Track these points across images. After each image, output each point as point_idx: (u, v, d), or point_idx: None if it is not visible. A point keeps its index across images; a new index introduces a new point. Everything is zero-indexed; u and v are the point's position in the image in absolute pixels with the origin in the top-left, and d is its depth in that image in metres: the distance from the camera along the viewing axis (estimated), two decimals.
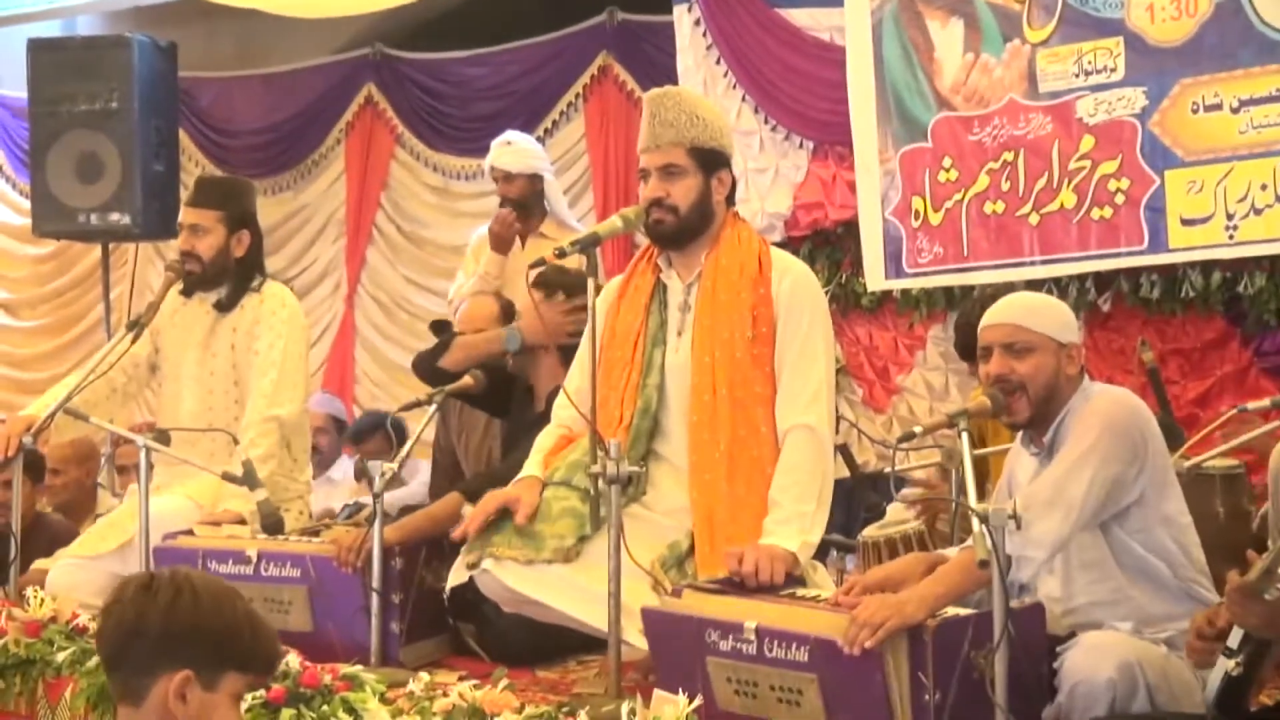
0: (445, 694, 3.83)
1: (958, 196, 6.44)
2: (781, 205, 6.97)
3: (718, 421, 4.15)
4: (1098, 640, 3.47)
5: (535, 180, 6.40)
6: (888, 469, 5.24)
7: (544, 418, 4.60)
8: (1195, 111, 5.85)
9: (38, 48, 8.45)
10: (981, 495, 3.44)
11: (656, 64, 7.60)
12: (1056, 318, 3.80)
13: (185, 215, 5.47)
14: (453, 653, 4.68)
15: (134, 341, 5.21)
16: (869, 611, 3.34)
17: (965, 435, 3.55)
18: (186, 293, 5.44)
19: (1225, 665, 3.27)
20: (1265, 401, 4.93)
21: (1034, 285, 5.95)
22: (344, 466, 7.61)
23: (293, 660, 3.99)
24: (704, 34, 7.19)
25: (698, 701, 3.39)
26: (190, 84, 9.01)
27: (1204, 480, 4.63)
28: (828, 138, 6.90)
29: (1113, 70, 6.02)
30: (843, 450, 5.42)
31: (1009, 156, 6.30)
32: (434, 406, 4.84)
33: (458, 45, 8.45)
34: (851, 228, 6.80)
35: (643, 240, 4.59)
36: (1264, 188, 5.70)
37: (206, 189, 5.57)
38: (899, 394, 6.87)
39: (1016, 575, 3.60)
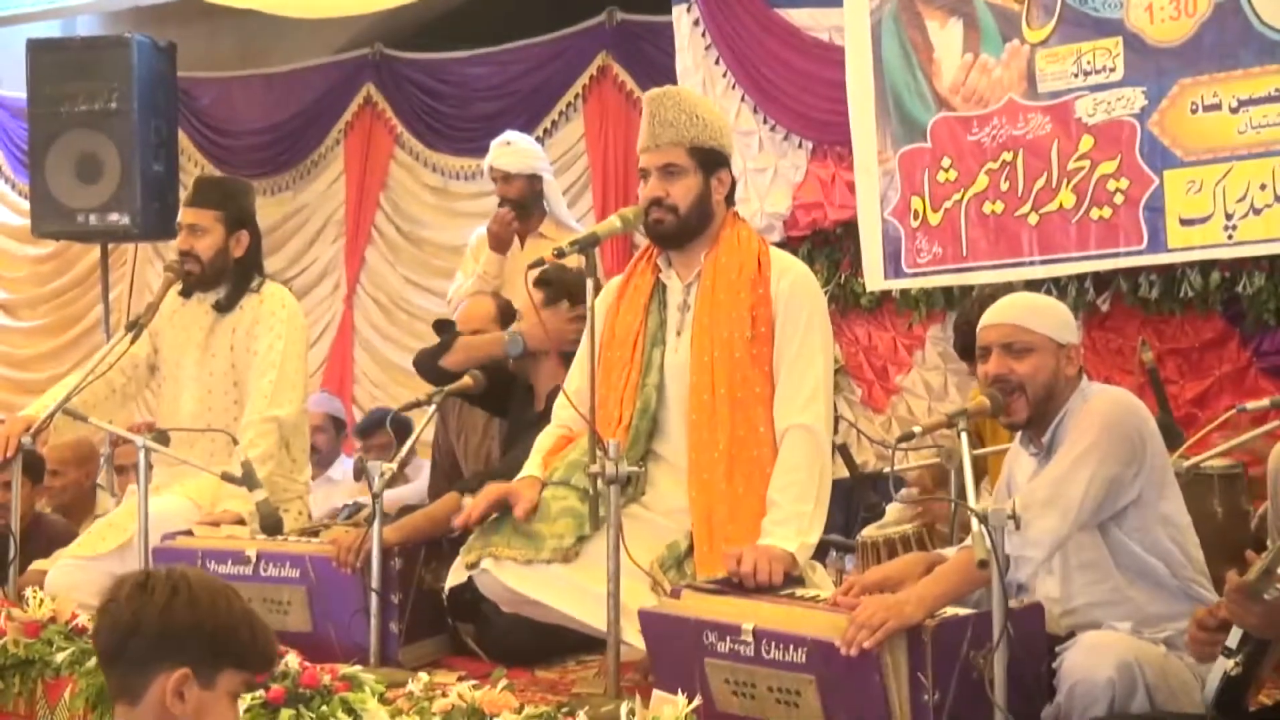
0: (444, 694, 3.83)
1: (957, 196, 6.43)
2: (780, 205, 6.97)
3: (717, 421, 4.15)
4: (1097, 640, 3.47)
5: (534, 180, 6.40)
6: (887, 469, 5.23)
7: (544, 417, 4.60)
8: (1194, 111, 5.85)
9: (37, 48, 8.45)
10: (977, 494, 3.44)
11: (656, 64, 7.60)
12: (1055, 318, 3.80)
13: (184, 215, 5.47)
14: (452, 653, 4.68)
15: (133, 342, 5.21)
16: (867, 612, 3.34)
17: (964, 435, 3.55)
18: (185, 293, 5.44)
19: (1224, 665, 3.27)
20: (1264, 401, 4.93)
21: (1033, 285, 5.95)
22: (344, 466, 7.61)
23: (292, 660, 3.99)
24: (703, 34, 7.19)
25: (696, 702, 3.40)
26: (189, 84, 9.01)
27: (1202, 480, 4.63)
28: (827, 138, 6.90)
29: (1112, 70, 6.02)
30: (842, 450, 5.42)
31: (1008, 156, 6.30)
32: (433, 406, 4.84)
33: (457, 45, 8.45)
34: (850, 228, 6.80)
35: (642, 240, 4.59)
36: (1263, 188, 5.70)
37: (205, 189, 5.57)
38: (898, 394, 6.88)
39: (1015, 575, 3.60)
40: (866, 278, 6.74)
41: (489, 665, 4.30)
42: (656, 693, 3.52)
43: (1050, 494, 3.56)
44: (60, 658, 4.44)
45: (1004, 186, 6.31)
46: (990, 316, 3.82)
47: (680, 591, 3.85)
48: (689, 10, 7.23)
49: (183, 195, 7.75)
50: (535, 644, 4.48)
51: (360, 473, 4.56)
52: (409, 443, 4.74)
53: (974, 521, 3.27)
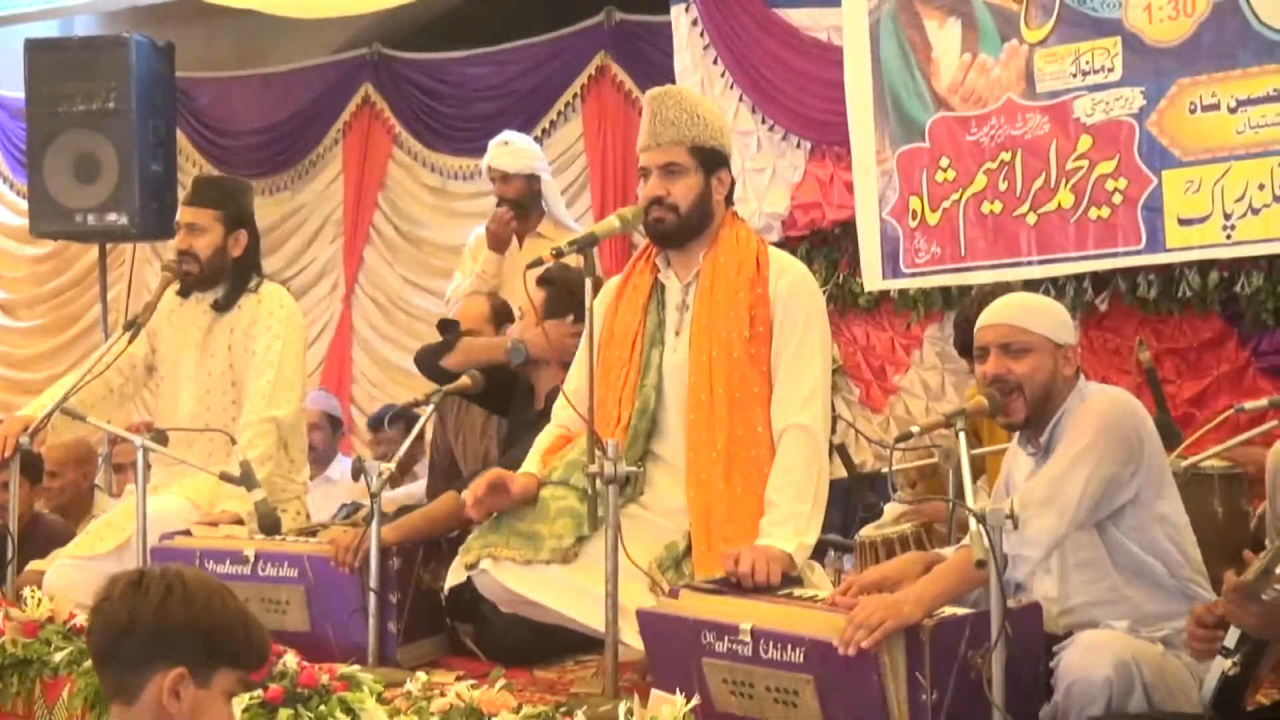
0: (443, 694, 3.83)
1: (955, 196, 6.43)
2: (779, 205, 6.97)
3: (715, 421, 4.15)
4: (1094, 639, 3.48)
5: (533, 180, 6.40)
6: (885, 469, 5.23)
7: (544, 416, 4.61)
8: (1193, 111, 5.85)
9: (35, 48, 8.45)
10: (974, 493, 3.44)
11: (654, 64, 7.59)
12: (1053, 318, 3.80)
13: (183, 214, 5.48)
14: (450, 653, 4.67)
15: (131, 341, 5.21)
16: (865, 612, 3.34)
17: (962, 435, 3.55)
18: (184, 293, 5.44)
19: (1222, 665, 3.27)
20: (1263, 401, 4.93)
21: (1031, 285, 5.95)
22: (342, 466, 7.60)
23: (290, 660, 3.99)
24: (701, 34, 7.19)
25: (695, 701, 3.40)
26: (188, 84, 9.01)
27: (1202, 480, 4.63)
28: (825, 138, 6.90)
29: (1110, 70, 6.02)
30: (840, 450, 5.41)
31: (1006, 156, 6.30)
32: (431, 406, 4.84)
33: (455, 45, 8.45)
34: (849, 228, 6.80)
35: (640, 240, 4.59)
36: (1261, 187, 5.70)
37: (204, 188, 5.57)
38: (896, 394, 6.88)
39: (1012, 574, 3.60)
40: (865, 278, 6.74)
41: (487, 665, 4.30)
42: (655, 692, 3.52)
43: (1048, 493, 3.56)
44: (58, 657, 4.44)
45: (1002, 186, 6.31)
46: (988, 317, 3.83)
47: (678, 591, 3.85)
48: (687, 10, 7.22)
49: (181, 195, 7.74)
50: (534, 644, 4.48)
51: (359, 472, 4.56)
52: (406, 443, 4.74)
53: (972, 521, 3.28)
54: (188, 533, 4.93)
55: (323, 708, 3.87)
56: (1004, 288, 4.98)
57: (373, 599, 4.39)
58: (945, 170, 6.45)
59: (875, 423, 6.87)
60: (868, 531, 5.12)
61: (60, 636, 4.53)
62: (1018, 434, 3.87)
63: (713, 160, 4.29)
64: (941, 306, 6.65)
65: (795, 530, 4.01)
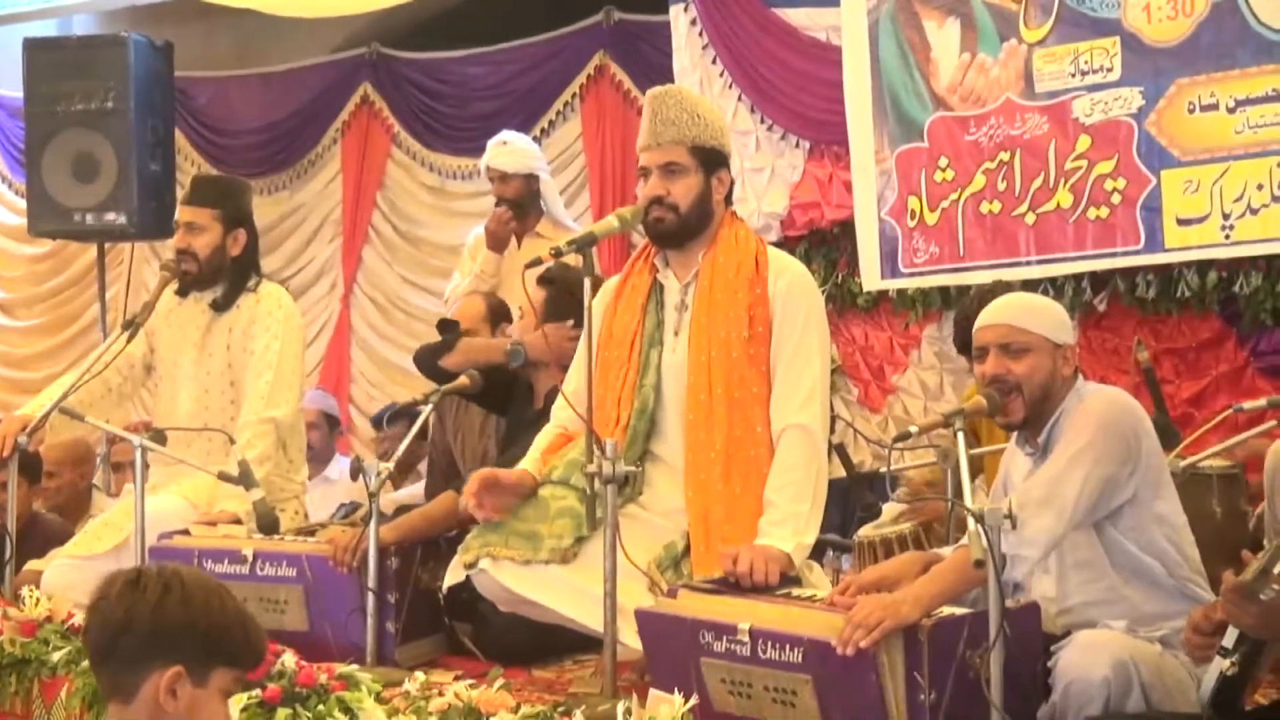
0: (441, 693, 3.83)
1: (954, 196, 6.44)
2: (778, 205, 6.97)
3: (714, 421, 4.15)
4: (1092, 639, 3.48)
5: (531, 180, 6.40)
6: (884, 469, 5.23)
7: (543, 415, 4.61)
8: (1192, 111, 5.85)
9: (34, 47, 8.45)
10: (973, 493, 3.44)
11: (653, 64, 7.59)
12: (1052, 318, 3.80)
13: (181, 213, 5.48)
14: (449, 652, 4.67)
15: (129, 341, 5.21)
16: (864, 612, 3.34)
17: (960, 435, 3.55)
18: (182, 292, 5.44)
19: (1220, 665, 3.26)
20: (1261, 401, 4.93)
21: (1030, 285, 5.95)
22: (340, 466, 7.60)
23: (288, 660, 3.99)
24: (700, 33, 7.19)
25: (693, 701, 3.39)
26: (186, 83, 9.01)
27: (1200, 480, 4.63)
28: (824, 137, 6.90)
29: (1109, 70, 6.02)
30: (839, 450, 5.41)
31: (1005, 156, 6.30)
32: (430, 405, 4.84)
33: (454, 45, 8.45)
34: (848, 227, 6.80)
35: (639, 240, 4.59)
36: (1260, 187, 5.70)
37: (203, 187, 5.57)
38: (894, 393, 6.88)
39: (1010, 574, 3.59)
40: (863, 277, 6.74)
41: (486, 665, 4.30)
42: (653, 692, 3.52)
43: (1046, 493, 3.56)
44: (56, 657, 4.44)
45: (1001, 186, 6.31)
46: (987, 317, 3.82)
47: (677, 591, 3.84)
48: (686, 10, 7.23)
49: (179, 194, 7.74)
50: (532, 643, 4.48)
51: (357, 472, 4.55)
52: (404, 443, 4.74)
53: (970, 521, 3.27)
54: (186, 532, 4.93)
55: (321, 707, 3.87)
56: (1004, 286, 4.97)
57: (371, 598, 4.39)
58: (944, 170, 6.46)
59: (873, 422, 6.88)
60: (866, 531, 5.12)
61: (58, 636, 4.53)
62: (1015, 434, 3.87)
63: (713, 160, 4.29)
64: (940, 306, 6.65)
65: (794, 530, 4.01)
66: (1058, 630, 3.61)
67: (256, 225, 5.58)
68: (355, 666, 4.12)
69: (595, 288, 4.19)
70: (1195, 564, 3.72)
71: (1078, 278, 6.21)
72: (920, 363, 6.82)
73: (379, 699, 3.94)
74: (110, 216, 8.22)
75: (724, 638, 3.56)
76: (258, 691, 3.85)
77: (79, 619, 4.52)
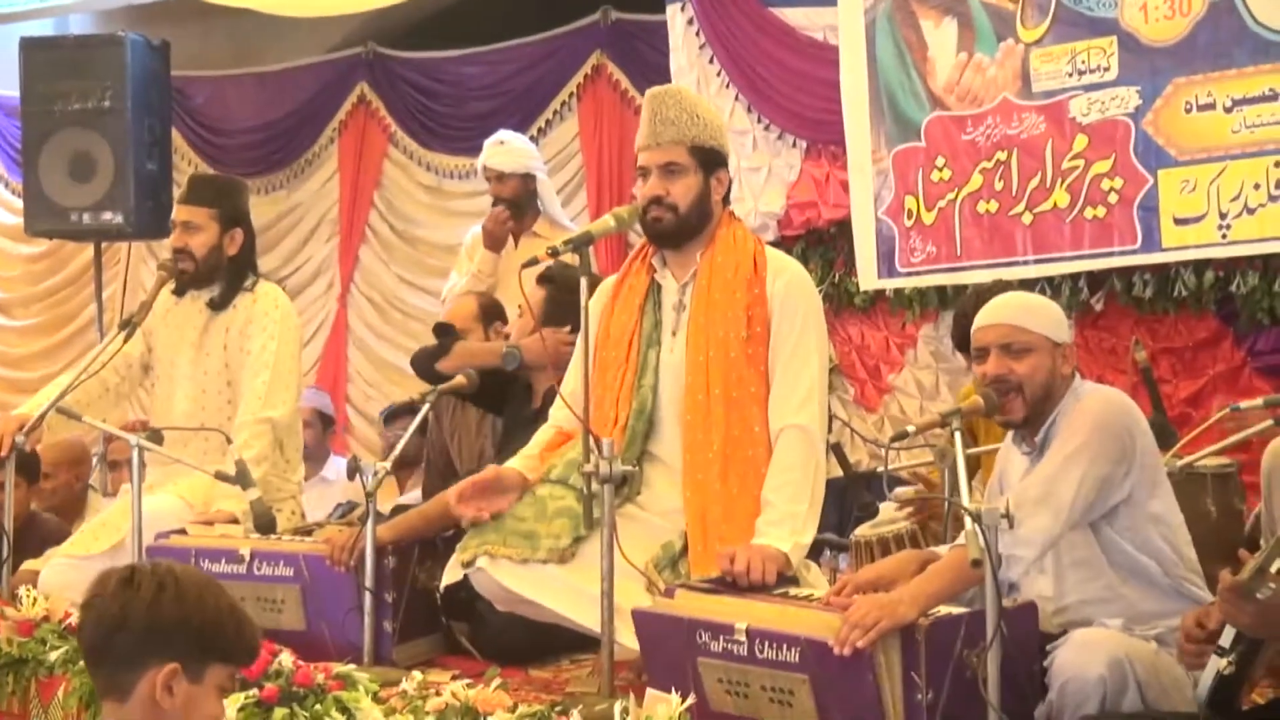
0: (438, 693, 3.83)
1: (951, 196, 6.44)
2: (775, 204, 6.97)
3: (711, 421, 4.15)
4: (1087, 637, 3.48)
5: (528, 180, 6.40)
6: (880, 468, 5.23)
7: (541, 415, 4.61)
8: (1188, 111, 5.85)
9: (30, 46, 8.44)
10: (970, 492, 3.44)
11: (650, 63, 7.59)
12: (1051, 317, 3.81)
13: (178, 213, 5.48)
14: (446, 652, 4.67)
15: (126, 340, 5.21)
16: (861, 612, 3.34)
17: (958, 434, 3.55)
18: (179, 292, 5.44)
19: (1217, 664, 3.27)
20: (1258, 401, 4.93)
21: (1027, 284, 5.93)
22: (337, 466, 7.60)
23: (286, 659, 3.99)
24: (697, 33, 7.18)
25: (690, 701, 3.39)
26: (183, 83, 9.00)
27: (1196, 479, 4.63)
28: (821, 137, 6.90)
29: (1106, 70, 6.02)
30: (835, 449, 5.41)
31: (1002, 156, 6.30)
32: (427, 405, 4.84)
33: (451, 44, 8.45)
34: (845, 227, 6.80)
35: (636, 240, 4.59)
36: (1257, 187, 5.70)
37: (200, 187, 5.56)
38: (890, 393, 6.88)
39: (1005, 574, 3.60)
40: (860, 277, 6.74)
41: (483, 664, 4.30)
42: (650, 692, 3.52)
43: (1042, 493, 3.56)
44: (54, 656, 4.44)
45: (998, 186, 6.32)
46: (986, 317, 3.82)
47: (674, 591, 3.84)
48: (683, 9, 7.22)
49: (176, 194, 7.73)
50: (529, 643, 4.47)
51: (354, 472, 4.55)
52: (401, 443, 4.74)
53: (968, 520, 3.28)
54: (183, 532, 4.92)
55: (318, 707, 3.87)
56: (1003, 285, 4.97)
57: (368, 598, 4.39)
58: (941, 170, 6.46)
59: (870, 422, 6.88)
60: (863, 531, 5.12)
61: (55, 636, 4.53)
62: (1012, 432, 3.87)
63: (712, 160, 4.30)
64: (937, 306, 6.65)
65: (791, 530, 4.01)
66: (1054, 629, 3.62)
67: (253, 225, 5.57)
68: (352, 666, 4.12)
69: (592, 287, 4.18)
70: (1191, 563, 3.73)
71: (1075, 277, 6.21)
72: (916, 362, 6.82)
73: (376, 698, 3.94)
74: (107, 216, 8.22)
75: (721, 637, 3.56)
76: (255, 691, 3.85)
77: (76, 619, 4.53)
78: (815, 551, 4.43)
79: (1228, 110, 5.76)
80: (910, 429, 3.64)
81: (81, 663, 4.24)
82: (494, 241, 6.32)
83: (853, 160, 6.68)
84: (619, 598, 3.85)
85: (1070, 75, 6.11)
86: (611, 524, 3.84)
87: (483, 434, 5.53)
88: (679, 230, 4.27)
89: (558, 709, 3.72)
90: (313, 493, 6.78)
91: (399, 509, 5.08)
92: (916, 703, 3.30)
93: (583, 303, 4.06)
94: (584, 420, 3.97)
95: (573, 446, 4.24)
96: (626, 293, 4.39)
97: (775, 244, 5.68)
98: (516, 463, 4.34)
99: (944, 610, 3.43)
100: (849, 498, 5.80)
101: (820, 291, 5.17)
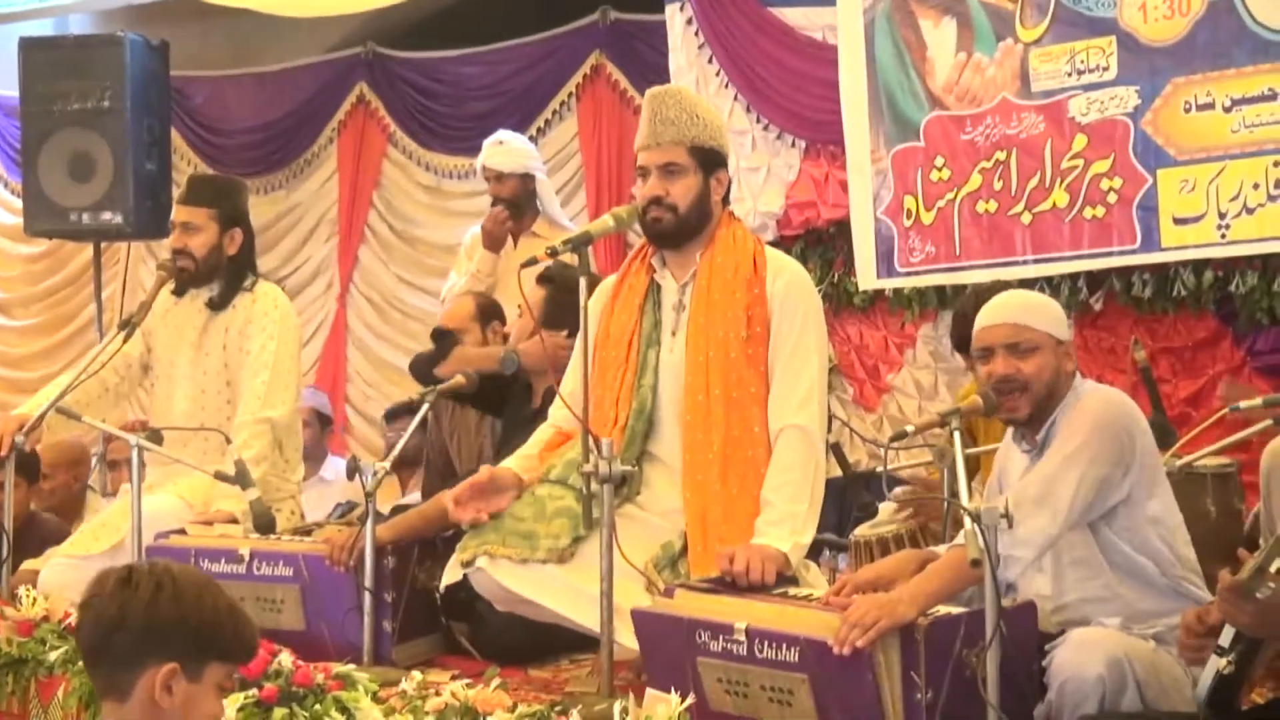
0: (438, 693, 3.84)
1: (950, 196, 6.44)
2: (774, 204, 6.97)
3: (711, 421, 4.15)
4: (1086, 636, 3.48)
5: (527, 180, 6.40)
6: (880, 468, 5.23)
7: (541, 414, 4.62)
8: (1188, 110, 5.85)
9: (30, 46, 8.44)
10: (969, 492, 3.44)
11: (649, 63, 7.59)
12: (1053, 315, 3.81)
13: (178, 213, 5.48)
14: (445, 652, 4.67)
15: (126, 340, 5.21)
16: (860, 611, 3.34)
17: (957, 434, 3.55)
18: (178, 292, 5.44)
19: (1217, 664, 3.27)
20: (1257, 400, 4.93)
21: (1026, 284, 5.92)
22: (335, 466, 7.60)
23: (285, 659, 3.99)
24: (696, 33, 7.18)
25: (690, 701, 3.40)
26: (182, 83, 9.00)
27: (1195, 479, 4.63)
28: (820, 137, 6.90)
29: (1105, 69, 6.02)
30: (835, 449, 5.41)
31: (1001, 156, 6.30)
32: (426, 405, 4.84)
33: (450, 44, 8.45)
34: (844, 227, 6.80)
35: (635, 240, 4.59)
36: (1256, 187, 5.70)
37: (199, 187, 5.57)
38: (889, 393, 6.88)
39: (1004, 574, 3.60)
40: (859, 277, 6.74)
41: (482, 664, 4.30)
42: (650, 692, 3.52)
43: (1041, 493, 3.56)
44: (53, 656, 4.45)
45: (997, 186, 6.32)
46: (989, 317, 3.81)
47: (673, 591, 3.84)
48: (682, 9, 7.22)
49: (175, 194, 7.73)
50: (529, 643, 4.48)
51: (354, 472, 4.56)
52: (400, 443, 4.74)
53: (967, 520, 3.28)
54: (183, 532, 4.93)
55: (318, 707, 3.88)
56: (1003, 285, 4.97)
57: (368, 598, 4.39)
58: (940, 169, 6.46)
59: (869, 421, 6.88)
60: (862, 530, 5.12)
61: (55, 636, 4.53)
62: (1012, 430, 3.87)
63: (711, 160, 4.30)
64: (936, 306, 6.65)
65: (791, 530, 4.01)
66: (1053, 628, 3.62)
67: (252, 225, 5.57)
68: (352, 666, 4.12)
69: (591, 287, 4.18)
70: (1190, 563, 3.73)
71: (1074, 277, 6.21)
72: (915, 362, 6.82)
73: (376, 698, 3.94)
74: (106, 216, 8.21)
75: (720, 637, 3.56)
76: (254, 691, 3.85)
77: (74, 619, 4.53)
78: (815, 551, 4.43)
79: (1227, 110, 5.76)
80: (909, 429, 3.64)
81: (81, 663, 4.25)
82: (493, 241, 6.32)
83: (852, 160, 6.68)
84: (618, 598, 3.85)
85: (1069, 75, 6.11)
86: (611, 524, 3.84)
87: (482, 434, 5.53)
88: (678, 230, 4.27)
89: (557, 709, 3.72)
90: (311, 493, 6.78)
91: (398, 509, 5.08)
92: (916, 702, 3.30)
93: (582, 302, 4.06)
94: (583, 420, 3.97)
95: (572, 446, 4.24)
96: (626, 293, 4.39)
97: (774, 244, 5.67)
98: (513, 462, 4.34)
99: (943, 610, 3.43)
100: (848, 498, 5.81)
101: (819, 291, 5.17)
